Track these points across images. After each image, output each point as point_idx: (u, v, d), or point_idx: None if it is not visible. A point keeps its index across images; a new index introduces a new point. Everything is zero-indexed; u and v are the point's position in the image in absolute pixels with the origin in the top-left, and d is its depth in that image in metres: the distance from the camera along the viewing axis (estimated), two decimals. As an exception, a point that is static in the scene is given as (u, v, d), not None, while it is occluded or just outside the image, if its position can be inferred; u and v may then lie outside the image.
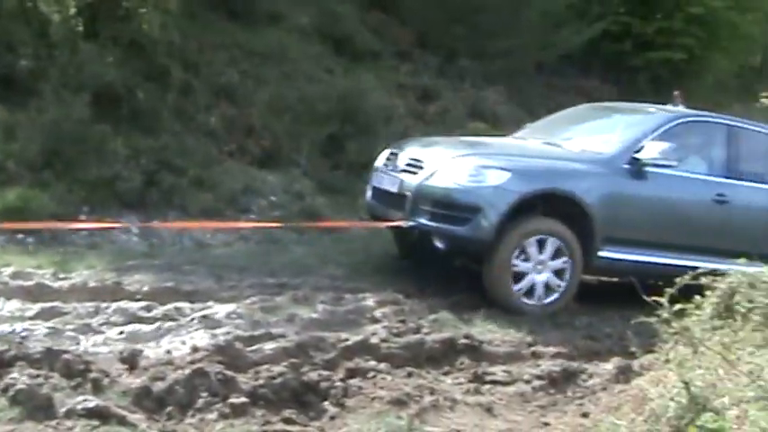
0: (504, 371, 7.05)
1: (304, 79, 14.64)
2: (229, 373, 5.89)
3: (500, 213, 8.79)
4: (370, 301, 8.48)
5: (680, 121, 10.42)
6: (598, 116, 11.56)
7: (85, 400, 5.29)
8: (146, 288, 8.08)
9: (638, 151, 9.65)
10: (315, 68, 15.22)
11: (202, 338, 6.72)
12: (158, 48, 13.11)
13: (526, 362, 7.42)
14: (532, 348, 7.74)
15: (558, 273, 9.13)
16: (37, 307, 7.20)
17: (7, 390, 5.28)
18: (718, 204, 10.16)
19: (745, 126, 10.97)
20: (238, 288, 8.40)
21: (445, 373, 6.89)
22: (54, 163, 10.48)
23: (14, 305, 7.22)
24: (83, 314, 7.15)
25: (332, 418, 5.78)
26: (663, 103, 11.84)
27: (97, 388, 5.59)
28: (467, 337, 7.49)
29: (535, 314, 8.85)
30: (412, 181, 9.23)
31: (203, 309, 7.59)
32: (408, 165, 9.46)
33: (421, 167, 9.28)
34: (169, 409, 5.51)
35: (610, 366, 7.38)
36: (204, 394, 5.65)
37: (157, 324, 7.08)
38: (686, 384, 5.01)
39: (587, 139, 10.29)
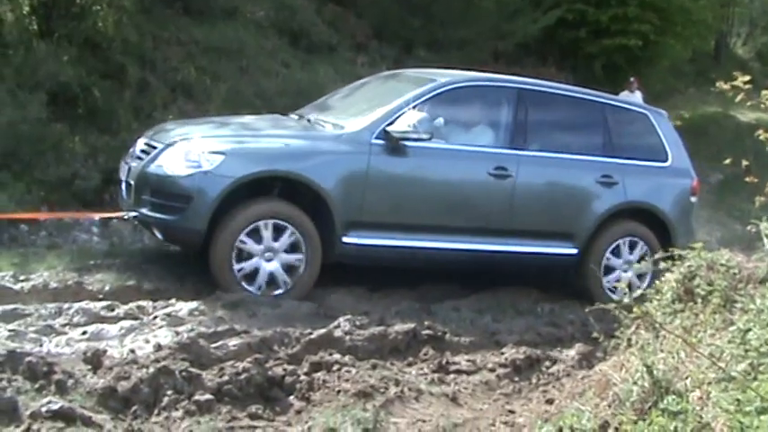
0: (468, 360, 7.10)
1: (261, 74, 14.68)
2: (194, 370, 5.90)
3: (212, 201, 7.99)
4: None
5: (449, 87, 9.23)
6: (378, 87, 10.23)
7: (50, 402, 5.23)
8: (107, 287, 8.06)
9: (391, 124, 8.68)
10: (272, 63, 15.25)
11: (166, 336, 6.69)
12: (114, 45, 13.08)
13: (489, 350, 7.44)
14: (496, 337, 7.78)
15: (293, 248, 8.32)
16: (-2, 309, 7.15)
17: (-29, 394, 5.25)
18: (498, 179, 9.14)
19: (538, 88, 9.92)
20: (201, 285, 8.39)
21: (409, 364, 6.91)
22: (11, 163, 10.42)
23: (-25, 308, 7.16)
24: (45, 315, 7.10)
25: (298, 412, 5.81)
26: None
27: (62, 389, 5.54)
28: (430, 327, 7.50)
29: (263, 303, 8.04)
30: (136, 168, 8.51)
31: (166, 307, 7.58)
32: (141, 151, 8.67)
33: (148, 153, 8.53)
34: (135, 408, 5.49)
35: (573, 353, 7.48)
36: (169, 392, 5.65)
37: (120, 323, 7.05)
38: (648, 368, 5.06)
39: (352, 113, 9.27)
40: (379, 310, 8.18)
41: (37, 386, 5.55)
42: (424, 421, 5.91)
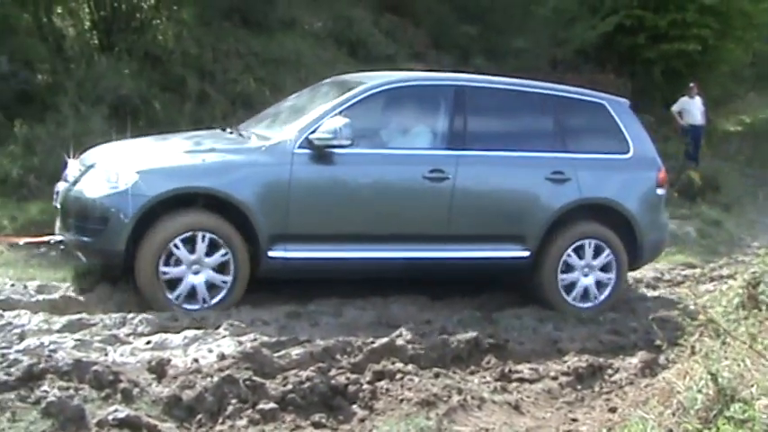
0: (531, 368, 7.06)
1: (320, 84, 14.69)
2: (258, 379, 5.93)
3: (129, 220, 7.71)
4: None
5: (379, 89, 8.82)
6: (312, 95, 9.65)
7: (116, 411, 5.30)
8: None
9: (314, 132, 8.28)
10: (330, 73, 15.23)
11: (229, 346, 6.74)
12: (174, 58, 13.24)
13: (552, 358, 7.41)
14: (557, 345, 7.74)
15: (221, 270, 7.99)
16: (63, 320, 7.23)
17: (39, 402, 5.30)
18: (434, 183, 8.63)
19: (476, 84, 9.34)
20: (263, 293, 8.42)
21: (472, 373, 6.90)
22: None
23: (40, 318, 7.24)
24: (109, 325, 7.18)
25: (361, 420, 5.81)
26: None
27: (127, 398, 5.59)
28: (492, 335, 7.50)
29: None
30: (62, 192, 8.36)
31: (228, 316, 7.64)
32: (70, 173, 8.48)
33: (75, 176, 8.33)
34: (199, 417, 5.54)
35: (635, 360, 7.39)
36: (233, 401, 5.69)
37: (184, 333, 7.11)
38: (713, 376, 5.01)
39: (280, 123, 8.98)
40: (440, 318, 8.21)
41: (103, 395, 5.59)
42: (486, 430, 5.89)
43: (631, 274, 10.40)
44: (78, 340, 6.69)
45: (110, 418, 5.23)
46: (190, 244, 7.88)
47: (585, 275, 9.22)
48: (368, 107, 8.73)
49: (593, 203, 9.33)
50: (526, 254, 9.01)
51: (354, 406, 5.96)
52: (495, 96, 9.35)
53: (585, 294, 9.21)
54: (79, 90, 11.79)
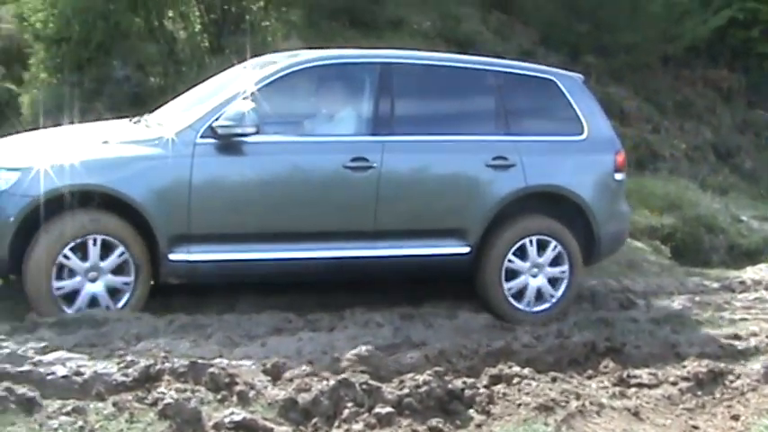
0: (649, 373, 6.90)
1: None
2: (374, 382, 5.90)
3: (9, 224, 7.02)
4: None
5: (292, 69, 8.02)
6: (223, 78, 8.77)
7: (233, 414, 5.32)
8: (286, 299, 8.15)
9: (218, 119, 7.53)
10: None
11: (344, 348, 6.72)
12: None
13: (670, 363, 7.20)
14: (676, 349, 7.54)
15: (120, 271, 7.35)
16: (179, 321, 7.30)
17: (156, 403, 5.35)
18: (356, 172, 7.84)
19: (406, 60, 8.53)
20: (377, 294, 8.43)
21: (589, 377, 6.79)
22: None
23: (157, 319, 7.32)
24: (223, 327, 7.21)
25: (478, 425, 5.74)
26: None
27: (243, 400, 5.61)
28: (608, 339, 7.37)
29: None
30: None
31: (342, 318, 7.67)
32: None
33: None
34: (315, 420, 5.52)
35: (758, 366, 7.15)
36: (350, 405, 5.67)
37: (299, 335, 7.11)
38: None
39: (188, 110, 8.10)
40: (556, 321, 8.11)
41: (219, 397, 5.63)
42: (606, 436, 5.80)
43: (750, 276, 10.15)
44: (194, 341, 6.74)
45: (226, 420, 5.25)
46: (81, 251, 7.19)
47: (534, 276, 8.44)
48: (280, 89, 7.92)
49: (541, 192, 8.51)
50: (466, 250, 8.24)
51: (471, 410, 5.88)
52: (426, 74, 8.55)
53: (540, 296, 8.44)
54: (191, 92, 11.95)
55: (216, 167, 7.56)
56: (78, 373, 5.67)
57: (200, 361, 5.99)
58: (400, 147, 8.05)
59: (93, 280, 7.25)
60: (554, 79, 8.86)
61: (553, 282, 8.49)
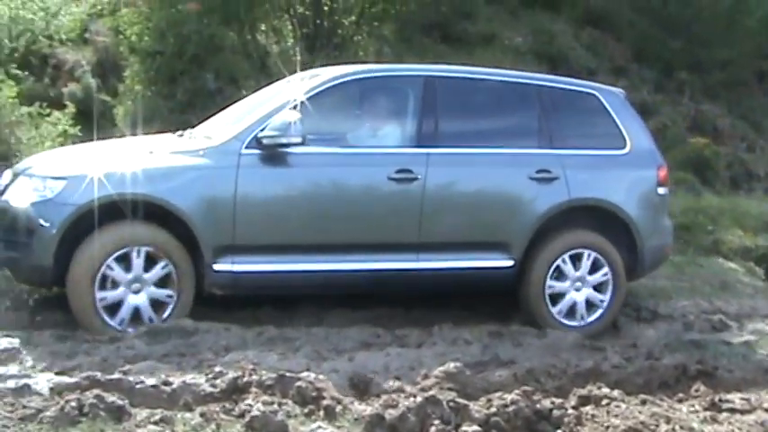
0: (742, 398, 6.74)
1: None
2: (461, 400, 5.86)
3: (55, 232, 7.02)
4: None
5: (336, 82, 7.98)
6: (270, 91, 8.81)
7: (319, 428, 5.33)
8: (373, 314, 8.18)
9: (264, 130, 7.55)
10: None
11: (431, 365, 6.69)
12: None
13: (764, 388, 7.00)
14: (772, 374, 7.39)
15: (163, 284, 7.34)
16: (267, 334, 7.35)
17: (243, 415, 5.36)
18: (401, 184, 7.81)
19: (450, 74, 8.51)
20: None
21: (680, 401, 6.67)
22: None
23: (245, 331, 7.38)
24: (312, 341, 7.23)
25: (567, 446, 5.67)
26: None
27: (330, 415, 5.58)
28: (700, 362, 7.22)
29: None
30: None
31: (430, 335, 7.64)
32: (5, 185, 7.71)
33: (8, 186, 7.64)
34: (400, 437, 5.50)
35: None
36: (436, 422, 5.63)
37: (386, 350, 7.09)
38: None
39: (229, 122, 8.20)
40: (646, 342, 7.97)
41: (306, 411, 5.61)
42: (697, 462, 5.69)
43: None
44: (282, 354, 6.74)
45: (313, 434, 5.23)
46: (124, 262, 7.19)
47: (577, 290, 8.37)
48: (326, 101, 7.90)
49: (584, 205, 8.48)
50: (510, 263, 8.19)
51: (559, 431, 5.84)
52: (470, 88, 8.53)
53: (571, 311, 8.35)
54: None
55: (261, 178, 7.59)
56: (167, 383, 5.73)
57: (287, 374, 5.99)
58: (444, 159, 8.03)
59: (137, 292, 7.25)
60: (596, 94, 8.89)
61: (589, 304, 8.42)
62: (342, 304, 8.17)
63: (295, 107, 7.64)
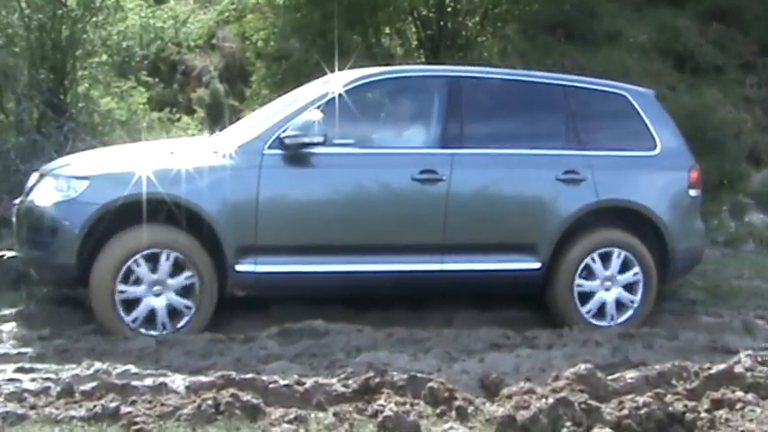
0: None
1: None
2: (593, 402, 5.84)
3: (78, 231, 7.10)
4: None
5: (360, 82, 7.98)
6: (299, 92, 8.68)
7: (451, 429, 5.33)
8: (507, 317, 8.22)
9: (286, 130, 7.53)
10: (657, 86, 14.91)
11: (562, 366, 6.68)
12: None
13: None
14: None
15: (186, 292, 7.34)
16: (397, 335, 7.45)
17: (375, 415, 5.40)
18: (425, 185, 7.77)
19: (475, 74, 8.55)
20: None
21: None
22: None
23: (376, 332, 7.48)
24: (443, 342, 7.29)
25: (700, 451, 5.60)
26: None
27: (462, 416, 5.60)
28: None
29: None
30: (19, 205, 7.80)
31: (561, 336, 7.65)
32: (31, 186, 7.80)
33: (33, 187, 7.73)
34: (533, 438, 5.51)
35: None
36: (568, 424, 5.62)
37: (516, 351, 7.11)
38: None
39: (254, 123, 8.23)
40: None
41: (438, 411, 5.62)
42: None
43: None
44: (413, 355, 6.81)
45: (449, 436, 5.26)
46: (152, 262, 7.25)
47: (607, 289, 8.22)
48: (350, 102, 7.79)
49: (612, 206, 8.36)
50: (537, 265, 8.10)
51: (691, 435, 5.76)
52: (497, 88, 8.53)
53: (601, 311, 8.18)
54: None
55: (283, 178, 7.60)
56: (300, 383, 5.82)
57: (419, 375, 6.03)
58: (470, 160, 7.99)
59: (158, 294, 7.28)
60: (626, 94, 8.77)
61: (619, 305, 8.26)
62: (471, 305, 8.20)
63: (319, 107, 7.66)
